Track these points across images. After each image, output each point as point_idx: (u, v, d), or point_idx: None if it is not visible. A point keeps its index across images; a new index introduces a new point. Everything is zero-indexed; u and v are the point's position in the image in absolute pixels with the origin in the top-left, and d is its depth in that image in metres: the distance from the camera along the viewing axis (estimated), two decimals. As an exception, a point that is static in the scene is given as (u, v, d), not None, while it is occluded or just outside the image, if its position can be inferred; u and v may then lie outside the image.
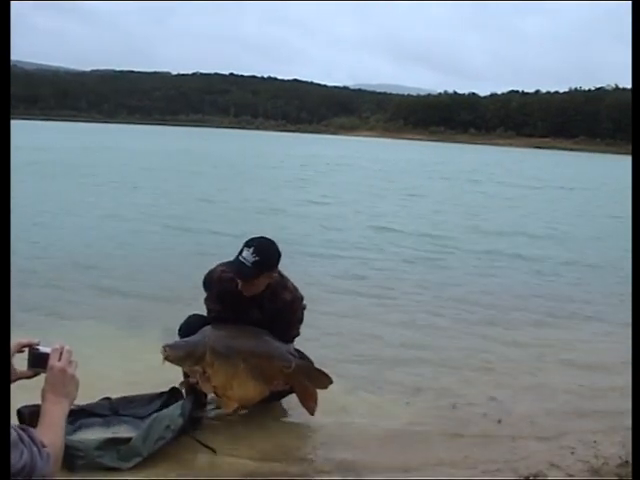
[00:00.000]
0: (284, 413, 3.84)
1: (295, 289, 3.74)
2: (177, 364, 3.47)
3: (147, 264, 7.98)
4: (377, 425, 3.77)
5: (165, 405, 3.52)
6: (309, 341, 4.64)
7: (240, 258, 3.49)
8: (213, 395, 3.61)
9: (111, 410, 3.48)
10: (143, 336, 5.15)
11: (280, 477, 3.13)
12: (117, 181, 18.15)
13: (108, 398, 3.54)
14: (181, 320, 3.84)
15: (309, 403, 3.61)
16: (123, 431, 3.31)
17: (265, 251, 3.52)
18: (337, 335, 5.43)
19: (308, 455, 3.43)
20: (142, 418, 3.46)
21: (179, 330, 3.79)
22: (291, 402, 3.80)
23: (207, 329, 3.53)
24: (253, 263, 3.45)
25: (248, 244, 3.53)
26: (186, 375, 3.56)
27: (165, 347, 3.39)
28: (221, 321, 3.66)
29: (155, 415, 3.24)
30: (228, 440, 3.40)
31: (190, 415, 3.33)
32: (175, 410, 3.28)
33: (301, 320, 3.79)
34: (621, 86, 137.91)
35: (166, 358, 3.39)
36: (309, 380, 3.60)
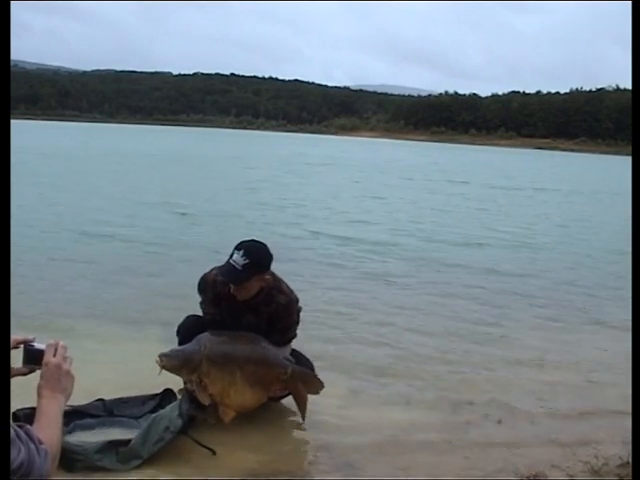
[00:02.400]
0: (283, 414, 3.83)
1: (290, 291, 3.74)
2: (173, 373, 3.48)
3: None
4: (377, 425, 3.76)
5: (159, 406, 3.52)
6: (309, 343, 4.65)
7: (230, 262, 3.48)
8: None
9: (105, 411, 3.48)
10: (142, 336, 5.15)
11: (280, 477, 3.13)
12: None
13: (102, 399, 3.54)
14: (178, 321, 3.85)
15: (302, 408, 3.63)
16: (118, 432, 3.31)
17: (255, 253, 3.50)
18: (336, 337, 5.42)
19: (308, 455, 3.42)
20: (137, 419, 3.46)
21: (177, 332, 3.80)
22: (290, 402, 3.80)
23: (203, 337, 3.51)
24: (243, 266, 3.44)
25: (238, 247, 3.51)
26: (185, 381, 3.58)
27: (161, 356, 3.40)
28: (218, 325, 3.66)
29: (154, 416, 3.23)
30: (227, 440, 3.40)
31: (188, 415, 3.33)
32: (173, 411, 3.27)
33: (297, 322, 3.78)
34: (622, 87, 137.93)
35: (162, 367, 3.40)
36: (303, 385, 3.62)
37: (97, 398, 3.54)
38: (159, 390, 3.67)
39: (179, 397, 3.55)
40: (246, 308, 3.65)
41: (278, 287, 3.69)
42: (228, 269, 3.46)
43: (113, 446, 3.04)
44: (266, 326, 3.65)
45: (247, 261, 3.44)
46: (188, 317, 3.83)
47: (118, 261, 7.98)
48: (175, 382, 3.62)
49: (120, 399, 3.59)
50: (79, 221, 10.91)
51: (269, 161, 34.10)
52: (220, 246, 8.55)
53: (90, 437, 3.17)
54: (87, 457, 2.96)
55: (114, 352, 4.74)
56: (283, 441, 3.51)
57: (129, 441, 3.07)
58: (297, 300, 3.76)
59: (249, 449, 3.34)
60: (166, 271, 7.58)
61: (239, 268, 3.43)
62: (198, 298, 3.79)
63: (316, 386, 3.63)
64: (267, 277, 3.59)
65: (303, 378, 3.62)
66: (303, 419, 3.62)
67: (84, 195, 14.76)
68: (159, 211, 12.77)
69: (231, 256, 3.49)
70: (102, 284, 6.75)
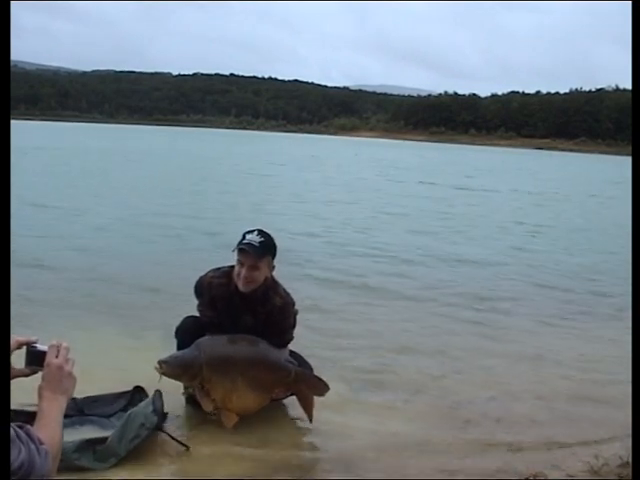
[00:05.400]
0: (283, 414, 3.83)
1: (287, 294, 3.77)
2: (174, 379, 3.49)
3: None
4: (376, 425, 3.76)
5: (130, 404, 3.51)
6: (309, 342, 4.65)
7: (245, 242, 3.55)
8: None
9: (76, 410, 3.46)
10: (140, 337, 5.14)
11: (279, 478, 3.12)
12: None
13: (73, 398, 3.49)
14: (177, 321, 3.84)
15: (308, 410, 3.64)
16: (91, 431, 3.30)
17: (267, 235, 3.64)
18: (336, 337, 5.42)
19: (307, 456, 3.42)
20: (108, 417, 3.46)
21: (175, 333, 3.79)
22: (289, 403, 3.80)
23: (202, 342, 3.53)
24: (260, 243, 3.56)
25: (248, 232, 3.63)
26: (186, 386, 3.60)
27: (160, 363, 3.41)
28: (215, 327, 3.66)
29: (129, 413, 3.22)
30: (226, 440, 3.40)
31: (162, 412, 3.32)
32: (147, 407, 3.26)
33: (294, 325, 3.80)
34: (621, 87, 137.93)
35: (162, 374, 3.40)
36: (307, 388, 3.62)
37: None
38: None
39: (150, 394, 3.51)
40: (244, 308, 3.66)
41: (274, 289, 3.72)
42: (248, 246, 3.53)
43: (90, 445, 3.04)
44: (262, 328, 3.66)
45: (262, 239, 3.58)
46: (186, 318, 3.82)
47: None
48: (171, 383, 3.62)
49: (90, 397, 3.55)
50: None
51: (237, 161, 32.45)
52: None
53: (65, 437, 3.13)
54: (65, 457, 2.92)
55: (111, 352, 4.74)
56: (282, 441, 3.50)
57: (106, 439, 3.06)
58: (293, 303, 3.78)
59: (247, 449, 3.33)
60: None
61: (257, 245, 3.54)
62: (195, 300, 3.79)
63: (321, 388, 3.64)
64: (274, 265, 3.68)
65: (307, 380, 3.63)
66: (310, 421, 3.62)
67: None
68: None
69: (242, 240, 3.57)
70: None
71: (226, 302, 3.66)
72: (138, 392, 3.62)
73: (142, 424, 3.14)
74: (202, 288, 3.72)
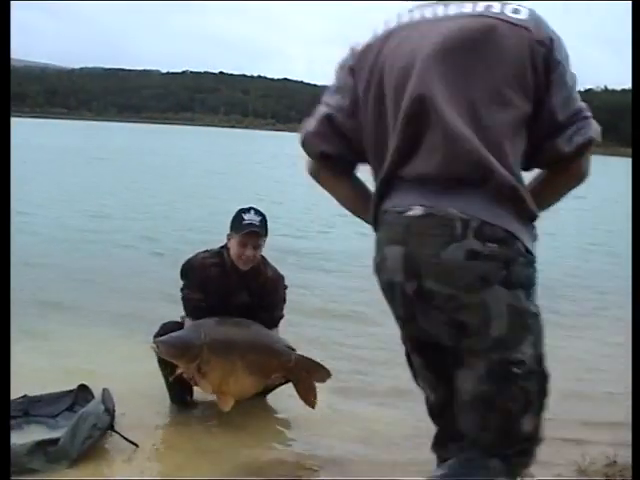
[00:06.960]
0: (268, 412, 3.82)
1: (275, 268, 3.80)
2: (171, 360, 3.39)
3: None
4: (368, 424, 3.75)
5: (75, 403, 3.46)
6: (302, 340, 4.63)
7: (245, 223, 3.52)
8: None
9: (21, 411, 3.38)
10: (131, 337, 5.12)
11: (265, 477, 3.10)
12: None
13: (19, 398, 3.40)
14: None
15: (309, 397, 3.58)
16: (39, 432, 3.22)
17: (262, 213, 3.64)
18: (329, 335, 5.41)
19: (293, 454, 3.40)
20: (54, 417, 3.40)
21: (154, 338, 3.71)
22: (276, 400, 3.78)
23: (203, 323, 3.47)
24: (260, 222, 3.56)
25: (242, 211, 3.60)
26: (173, 371, 3.46)
27: (157, 343, 3.33)
28: (202, 311, 3.58)
29: (80, 413, 3.16)
30: (209, 439, 3.39)
31: (114, 410, 3.26)
32: (98, 407, 3.20)
33: (284, 299, 3.80)
34: (610, 88, 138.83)
35: (159, 354, 3.34)
36: (308, 374, 3.58)
37: (21, 395, 3.40)
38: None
39: (97, 393, 3.42)
40: (240, 286, 3.64)
41: (264, 262, 3.74)
42: (252, 226, 3.52)
43: (41, 447, 2.98)
44: (256, 305, 3.64)
45: (260, 217, 3.59)
46: (165, 324, 3.68)
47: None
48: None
49: (33, 398, 3.46)
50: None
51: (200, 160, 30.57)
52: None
53: (13, 439, 2.96)
54: (17, 460, 2.87)
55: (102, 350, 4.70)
56: (267, 439, 3.48)
57: (57, 440, 3.01)
58: (283, 277, 3.81)
59: (232, 448, 3.31)
60: None
61: (258, 224, 3.54)
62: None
63: (322, 374, 3.60)
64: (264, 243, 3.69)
65: (308, 366, 3.59)
66: (313, 407, 3.57)
67: None
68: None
69: (241, 220, 3.54)
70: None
71: (221, 281, 3.62)
72: (82, 391, 3.56)
73: (94, 424, 3.09)
74: (193, 269, 3.67)
